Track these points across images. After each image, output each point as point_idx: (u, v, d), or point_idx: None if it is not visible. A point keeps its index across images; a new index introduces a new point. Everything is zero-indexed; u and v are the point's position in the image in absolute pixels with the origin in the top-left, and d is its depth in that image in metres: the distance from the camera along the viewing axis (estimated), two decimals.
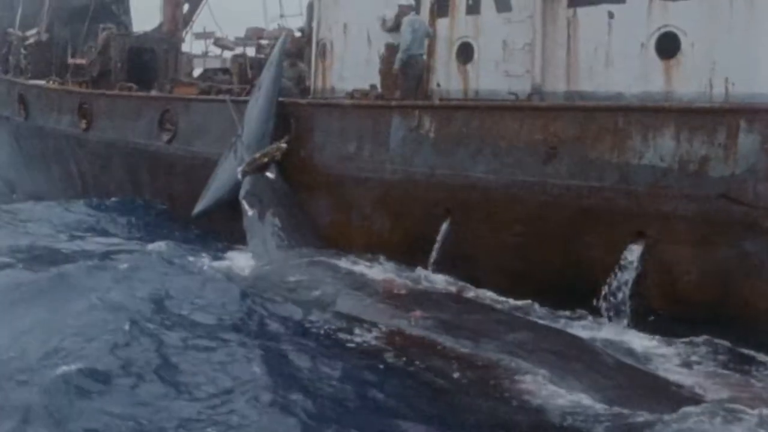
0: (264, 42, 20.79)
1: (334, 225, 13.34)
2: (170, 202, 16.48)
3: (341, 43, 15.01)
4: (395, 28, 14.12)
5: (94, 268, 11.51)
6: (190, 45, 22.47)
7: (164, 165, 16.32)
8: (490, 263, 11.44)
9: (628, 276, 10.22)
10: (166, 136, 16.29)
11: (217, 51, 21.27)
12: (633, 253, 10.26)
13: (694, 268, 9.91)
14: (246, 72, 18.70)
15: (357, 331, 9.86)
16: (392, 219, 12.57)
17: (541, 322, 10.25)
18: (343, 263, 12.31)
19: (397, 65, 13.02)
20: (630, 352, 9.49)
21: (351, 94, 13.94)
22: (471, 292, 11.29)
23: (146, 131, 16.76)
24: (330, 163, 13.44)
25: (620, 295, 10.23)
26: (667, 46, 11.25)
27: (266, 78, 14.13)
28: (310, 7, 17.83)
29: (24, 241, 13.90)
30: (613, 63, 11.73)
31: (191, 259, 12.74)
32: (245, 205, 13.96)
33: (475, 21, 13.16)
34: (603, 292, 10.30)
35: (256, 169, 13.92)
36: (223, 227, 14.95)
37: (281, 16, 23.00)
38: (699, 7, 10.95)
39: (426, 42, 13.26)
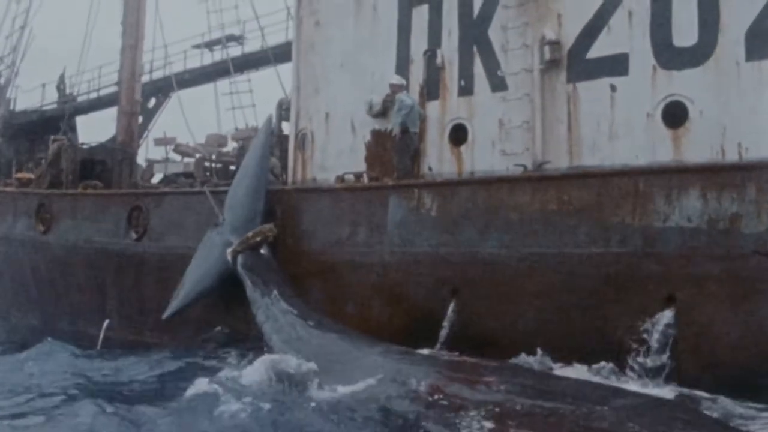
0: (225, 149, 20.21)
1: (329, 314, 12.32)
2: (138, 304, 15.18)
3: (322, 133, 14.49)
4: (382, 113, 13.64)
5: None
6: (146, 150, 21.69)
7: (133, 264, 15.19)
8: (506, 339, 10.61)
9: (662, 342, 9.52)
10: (135, 234, 15.19)
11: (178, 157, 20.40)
12: (665, 318, 9.60)
13: (730, 328, 9.30)
14: (211, 176, 17.96)
15: None
16: (392, 303, 11.79)
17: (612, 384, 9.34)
18: None
19: (396, 129, 12.43)
20: None
21: (341, 178, 13.19)
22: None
23: (112, 230, 15.69)
24: (321, 249, 12.73)
25: (656, 360, 9.51)
26: (674, 115, 10.91)
27: (252, 158, 13.59)
28: (280, 105, 17.32)
29: None
30: (617, 135, 11.38)
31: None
32: (246, 278, 13.02)
33: (469, 102, 12.82)
34: (634, 358, 9.54)
35: (249, 248, 13.05)
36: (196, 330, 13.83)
37: (236, 128, 22.53)
38: (705, 75, 10.76)
39: (418, 123, 12.70)
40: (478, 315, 10.98)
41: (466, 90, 12.92)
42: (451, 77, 13.11)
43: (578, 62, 11.82)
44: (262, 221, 13.19)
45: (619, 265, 10.16)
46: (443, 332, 11.23)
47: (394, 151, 12.61)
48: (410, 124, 12.45)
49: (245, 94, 23.35)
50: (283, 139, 16.83)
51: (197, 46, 24.12)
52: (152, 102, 23.93)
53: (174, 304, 14.08)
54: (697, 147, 10.78)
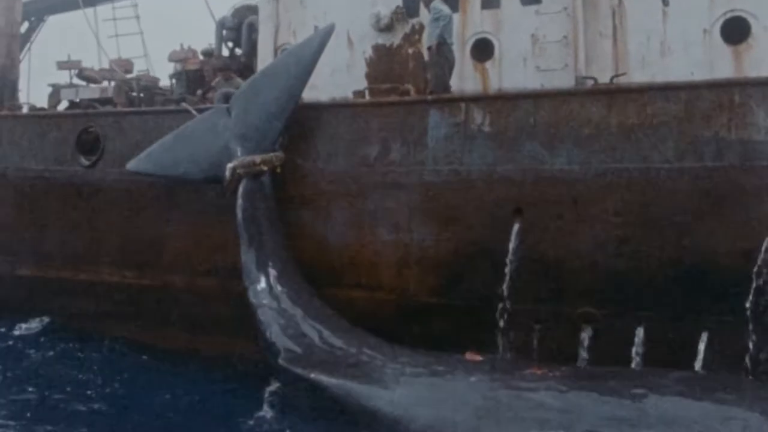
0: (131, 75, 17.79)
1: (353, 244, 10.84)
2: (91, 242, 12.84)
3: None
4: (389, 27, 12.13)
5: None
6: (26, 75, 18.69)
7: (85, 193, 12.80)
8: (582, 257, 9.61)
9: None
10: (86, 160, 12.81)
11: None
12: None
13: None
14: (134, 102, 15.62)
15: None
16: (439, 226, 10.42)
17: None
18: None
19: (433, 41, 11.09)
20: None
21: (362, 93, 11.60)
22: None
23: (54, 156, 13.15)
24: (344, 170, 11.05)
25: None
26: (735, 31, 10.30)
27: (294, 66, 11.40)
28: (221, 25, 15.30)
29: None
30: (670, 51, 10.63)
31: None
32: (243, 229, 11.31)
33: (495, 15, 11.67)
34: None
35: (252, 175, 11.12)
36: None
37: (119, 58, 19.96)
38: None
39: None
40: (550, 234, 9.78)
41: (490, 3, 11.76)
42: None
43: None
44: (281, 144, 11.25)
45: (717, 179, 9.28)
46: (510, 252, 9.85)
47: (431, 64, 11.19)
48: (447, 35, 11.01)
49: (130, 20, 20.53)
50: (232, 62, 14.87)
51: None
52: (25, 26, 20.63)
53: (147, 163, 12.09)
54: (762, 64, 10.13)
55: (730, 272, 9.09)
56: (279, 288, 10.95)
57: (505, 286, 10.14)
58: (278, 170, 11.44)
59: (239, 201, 11.31)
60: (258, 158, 11.16)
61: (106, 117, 13.04)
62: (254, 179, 11.30)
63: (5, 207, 13.70)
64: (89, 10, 20.99)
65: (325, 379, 9.68)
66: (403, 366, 9.63)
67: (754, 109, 9.26)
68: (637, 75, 10.94)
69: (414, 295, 10.67)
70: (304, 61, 11.37)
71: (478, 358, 9.63)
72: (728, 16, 10.51)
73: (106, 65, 19.48)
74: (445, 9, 11.02)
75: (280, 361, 10.04)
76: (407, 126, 10.80)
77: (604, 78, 11.03)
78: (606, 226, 9.71)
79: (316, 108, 11.37)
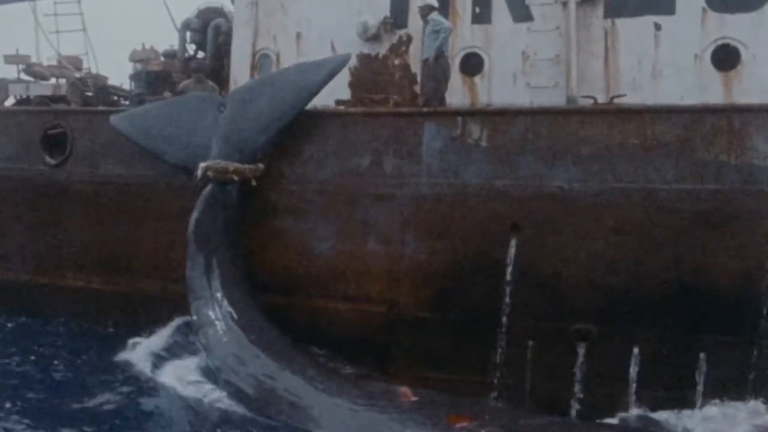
0: (79, 75, 17.03)
1: (342, 254, 10.56)
2: (57, 243, 12.17)
3: (292, 54, 12.48)
4: (376, 36, 11.93)
5: None
6: None
7: (51, 194, 12.12)
8: (578, 274, 9.58)
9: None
10: (53, 159, 12.13)
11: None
12: None
13: None
14: (91, 102, 14.95)
15: None
16: (432, 240, 10.23)
17: None
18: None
19: (432, 53, 10.92)
20: None
21: (346, 102, 11.35)
22: None
23: (16, 154, 12.42)
24: (332, 179, 10.76)
25: None
26: (725, 57, 10.51)
27: (296, 83, 11.10)
28: (185, 26, 14.81)
29: None
30: (662, 75, 10.77)
31: None
32: (195, 235, 10.87)
33: (486, 30, 11.59)
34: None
35: (220, 181, 10.81)
36: None
37: (59, 54, 19.10)
38: (760, 19, 10.36)
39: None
40: (547, 251, 9.71)
41: (481, 17, 11.67)
42: (463, 3, 11.77)
43: None
44: (260, 158, 10.91)
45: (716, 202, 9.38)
46: (509, 270, 9.73)
47: (428, 76, 11.00)
48: (446, 48, 10.88)
49: (74, 16, 19.65)
50: (196, 64, 14.39)
51: None
52: None
53: (129, 125, 11.73)
54: (750, 90, 10.35)
55: (729, 293, 9.12)
56: (224, 309, 10.55)
57: (500, 301, 9.90)
58: (252, 182, 10.93)
59: (197, 205, 10.90)
60: (232, 166, 10.79)
61: (77, 115, 12.25)
62: (221, 186, 10.94)
63: None
64: (30, 4, 19.98)
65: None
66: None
67: (753, 134, 9.33)
68: (629, 97, 10.92)
69: (405, 308, 10.37)
70: (310, 85, 11.05)
71: (411, 397, 9.39)
72: (719, 43, 10.66)
73: (44, 60, 18.56)
74: (446, 22, 10.89)
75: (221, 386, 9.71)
76: (401, 137, 10.52)
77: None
78: (604, 245, 9.62)
79: (305, 114, 10.92)
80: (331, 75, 10.90)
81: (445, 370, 10.16)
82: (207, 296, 10.52)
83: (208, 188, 10.90)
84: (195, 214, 10.87)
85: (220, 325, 10.30)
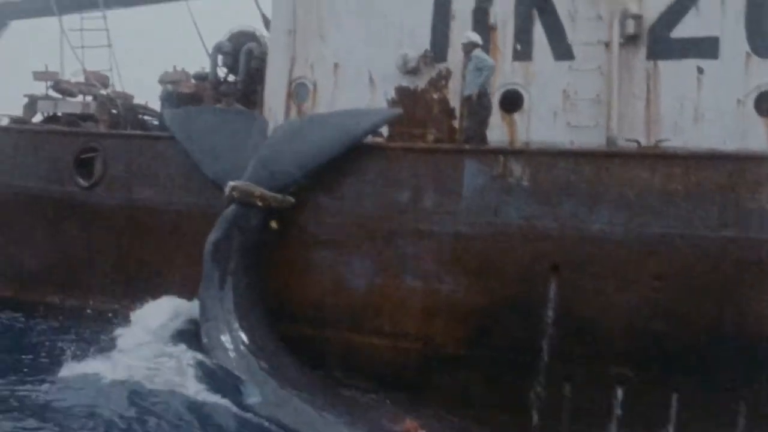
0: (105, 91, 17.00)
1: (379, 287, 10.54)
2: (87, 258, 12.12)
3: (329, 85, 12.43)
4: (416, 70, 11.90)
5: None
6: None
7: (82, 215, 12.08)
8: (617, 322, 9.63)
9: None
10: (84, 181, 12.10)
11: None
12: None
13: None
14: (119, 121, 14.91)
15: None
16: (471, 278, 10.17)
17: None
18: None
19: (473, 90, 10.97)
20: None
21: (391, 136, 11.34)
22: None
23: (48, 174, 12.39)
24: (371, 214, 10.72)
25: None
26: None
27: (342, 127, 11.18)
28: (218, 50, 14.79)
29: None
30: (704, 119, 10.70)
31: None
32: (212, 257, 10.79)
33: (526, 67, 11.51)
34: None
35: (244, 203, 10.80)
36: None
37: (84, 69, 19.01)
38: None
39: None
40: (587, 294, 9.65)
41: (522, 55, 11.62)
42: (504, 40, 11.72)
43: (661, 40, 11.02)
44: (291, 191, 10.98)
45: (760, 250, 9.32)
46: (549, 310, 9.67)
47: (469, 114, 10.98)
48: (488, 85, 10.85)
49: (99, 32, 19.58)
50: (229, 86, 14.37)
51: None
52: None
53: (179, 127, 11.94)
54: None
55: None
56: (235, 333, 10.51)
57: (538, 342, 9.85)
58: (274, 216, 11.02)
59: (216, 225, 10.87)
60: (258, 191, 10.79)
61: (112, 138, 12.22)
62: (244, 209, 10.88)
63: None
64: (57, 19, 19.95)
65: None
66: None
67: None
68: (670, 140, 10.84)
69: (440, 345, 10.31)
70: (355, 132, 11.11)
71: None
72: (763, 89, 10.56)
73: (69, 74, 18.51)
74: (489, 60, 10.84)
75: None
76: (441, 174, 10.48)
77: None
78: (645, 289, 9.56)
79: None
80: (378, 126, 10.86)
81: (479, 409, 10.04)
82: (219, 318, 10.46)
83: (230, 209, 10.91)
84: (213, 234, 10.85)
85: (230, 350, 10.21)
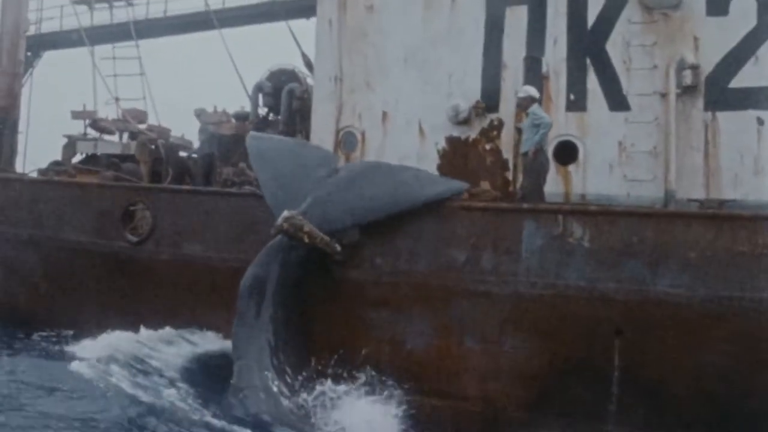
0: (143, 126, 16.93)
1: (436, 349, 10.40)
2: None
3: (378, 134, 12.27)
4: (467, 120, 11.73)
5: None
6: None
7: (130, 272, 12.00)
8: (684, 387, 9.49)
9: None
10: (133, 236, 12.01)
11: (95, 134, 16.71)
12: None
13: None
14: (160, 161, 14.81)
15: None
16: (532, 340, 10.02)
17: None
18: None
19: (530, 147, 10.68)
20: None
21: None
22: None
23: (95, 229, 12.31)
24: (428, 273, 10.55)
25: None
26: None
27: (405, 187, 11.04)
28: (258, 89, 14.67)
29: None
30: (764, 171, 10.46)
31: None
32: (245, 295, 10.58)
33: (581, 118, 11.30)
34: None
35: (291, 236, 10.48)
36: None
37: (116, 99, 18.93)
38: None
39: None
40: (652, 359, 9.49)
41: (576, 105, 11.42)
42: (557, 89, 11.53)
43: (719, 90, 10.78)
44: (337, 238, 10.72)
45: None
46: (614, 375, 9.51)
47: (526, 171, 10.78)
48: (545, 142, 10.66)
49: (131, 60, 19.54)
50: (266, 123, 14.27)
51: (77, 2, 19.90)
52: None
53: (258, 153, 11.68)
54: None
55: None
56: (266, 375, 10.21)
57: (602, 406, 9.71)
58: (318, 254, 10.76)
59: (258, 257, 10.68)
60: (308, 226, 10.48)
61: (158, 193, 12.12)
62: (290, 243, 10.64)
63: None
64: (89, 49, 19.93)
65: None
66: None
67: None
68: (729, 193, 10.68)
69: (502, 408, 10.18)
70: (416, 196, 10.92)
71: None
72: None
73: (102, 107, 18.47)
74: (546, 117, 10.66)
75: None
76: (500, 233, 10.32)
77: (695, 193, 10.72)
78: (712, 354, 9.39)
79: None
80: (441, 197, 10.65)
81: None
82: (251, 358, 10.24)
83: (276, 240, 10.72)
84: (253, 266, 10.68)
85: (261, 392, 10.00)
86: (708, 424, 9.34)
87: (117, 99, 18.64)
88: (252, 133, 11.89)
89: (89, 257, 12.38)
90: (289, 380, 10.28)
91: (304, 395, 10.10)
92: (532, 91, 10.90)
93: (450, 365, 10.47)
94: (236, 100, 16.42)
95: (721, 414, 9.35)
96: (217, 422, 9.48)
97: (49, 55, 21.05)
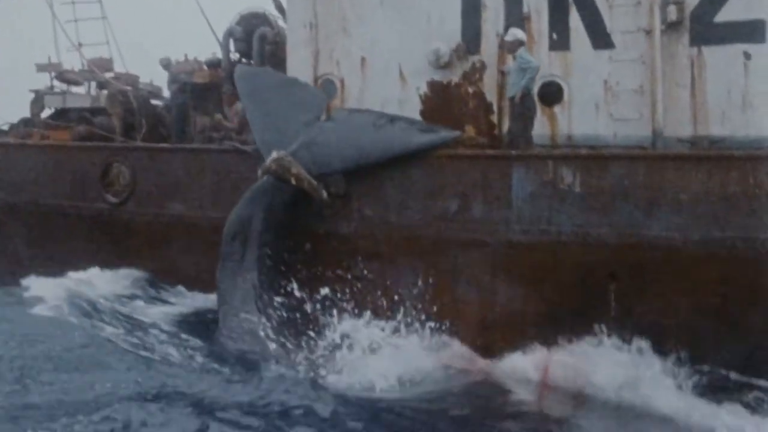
0: (111, 75, 16.37)
1: (431, 299, 10.30)
2: None
3: (357, 80, 11.93)
4: (449, 64, 11.45)
5: None
6: None
7: (113, 233, 11.73)
8: (681, 328, 9.49)
9: None
10: (114, 197, 11.70)
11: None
12: None
13: None
14: (132, 112, 14.35)
15: None
16: (526, 288, 10.00)
17: None
18: None
19: (516, 91, 10.47)
20: None
21: None
22: None
23: (73, 191, 11.97)
24: (418, 224, 10.44)
25: None
26: None
27: (397, 134, 10.83)
28: (228, 35, 14.19)
29: None
30: (752, 106, 10.35)
31: None
32: (228, 238, 10.52)
33: (564, 57, 11.05)
34: None
35: (280, 178, 10.40)
36: None
37: (79, 44, 18.23)
38: None
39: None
40: (647, 302, 9.52)
41: (559, 44, 11.16)
42: (539, 29, 11.23)
43: (704, 25, 10.54)
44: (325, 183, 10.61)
45: None
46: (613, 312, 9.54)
47: (513, 116, 10.56)
48: (532, 86, 10.44)
49: (92, 4, 18.75)
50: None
51: None
52: None
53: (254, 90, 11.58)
54: None
55: None
56: (249, 320, 10.26)
57: None
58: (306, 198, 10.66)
59: (242, 198, 10.60)
60: (296, 168, 10.34)
61: (137, 152, 11.76)
62: (276, 183, 10.55)
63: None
64: None
65: None
66: None
67: None
68: (716, 129, 10.56)
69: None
70: (407, 143, 10.78)
71: None
72: None
73: (63, 54, 17.81)
74: (534, 60, 10.42)
75: None
76: (488, 181, 10.18)
77: (682, 131, 10.59)
78: (706, 295, 9.43)
79: None
80: (432, 146, 10.41)
81: None
82: (234, 305, 10.27)
83: (262, 180, 10.60)
84: (237, 208, 10.60)
85: (246, 335, 10.06)
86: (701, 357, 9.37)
87: (80, 44, 17.92)
88: (240, 66, 11.39)
89: (69, 220, 11.98)
90: (273, 322, 10.18)
91: (288, 336, 10.02)
92: (520, 34, 10.61)
93: (446, 311, 10.36)
94: (207, 47, 15.85)
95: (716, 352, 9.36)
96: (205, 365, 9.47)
97: (6, 3, 20.09)
